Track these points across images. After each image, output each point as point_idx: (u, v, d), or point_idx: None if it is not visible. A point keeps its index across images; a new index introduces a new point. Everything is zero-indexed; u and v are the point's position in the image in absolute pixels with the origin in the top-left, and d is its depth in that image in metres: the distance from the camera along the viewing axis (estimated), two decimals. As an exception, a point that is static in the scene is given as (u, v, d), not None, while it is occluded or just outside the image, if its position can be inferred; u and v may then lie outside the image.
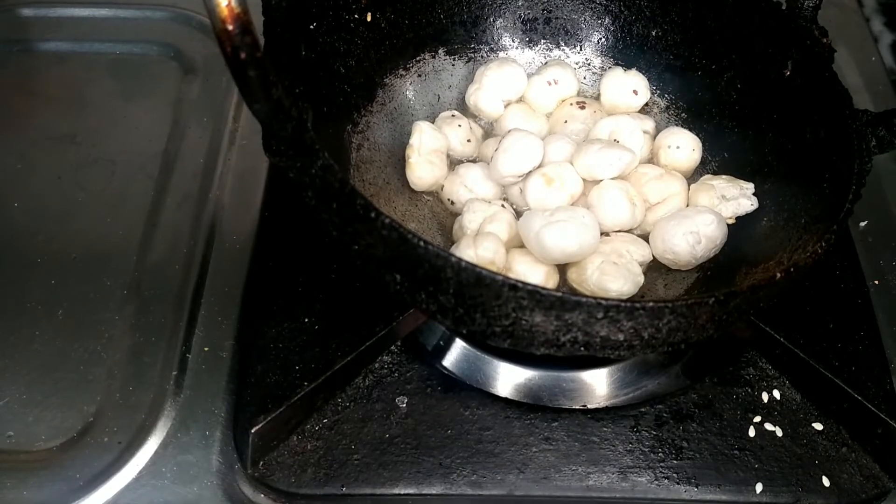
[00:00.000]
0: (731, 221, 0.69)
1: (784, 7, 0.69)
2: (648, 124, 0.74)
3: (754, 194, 0.69)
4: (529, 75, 0.78)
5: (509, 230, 0.65)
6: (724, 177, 0.71)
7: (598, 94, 0.79)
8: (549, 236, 0.61)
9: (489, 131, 0.77)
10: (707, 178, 0.72)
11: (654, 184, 0.70)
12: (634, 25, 0.79)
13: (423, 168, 0.71)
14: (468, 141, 0.74)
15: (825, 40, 0.67)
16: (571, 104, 0.77)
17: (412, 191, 0.72)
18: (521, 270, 0.63)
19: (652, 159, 0.74)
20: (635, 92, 0.76)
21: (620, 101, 0.77)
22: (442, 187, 0.72)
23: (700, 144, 0.73)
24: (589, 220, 0.63)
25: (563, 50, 0.82)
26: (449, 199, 0.71)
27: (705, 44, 0.75)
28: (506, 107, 0.76)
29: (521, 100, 0.77)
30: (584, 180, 0.69)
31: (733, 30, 0.73)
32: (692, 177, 0.74)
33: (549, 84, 0.76)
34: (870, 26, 1.00)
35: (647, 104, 0.78)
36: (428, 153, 0.71)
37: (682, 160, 0.73)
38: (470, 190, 0.70)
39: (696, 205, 0.70)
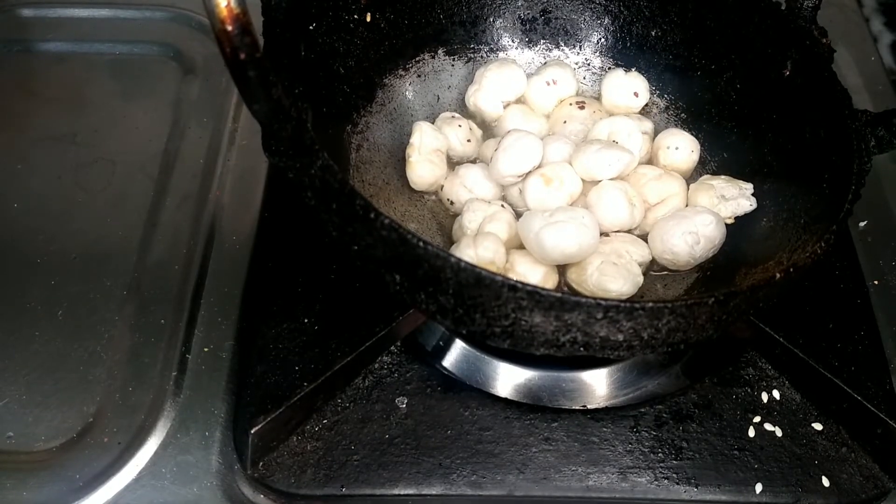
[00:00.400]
0: (730, 221, 0.69)
1: (783, 7, 0.69)
2: (647, 125, 0.74)
3: (753, 194, 0.69)
4: (529, 75, 0.78)
5: (509, 230, 0.65)
6: (723, 177, 0.71)
7: (599, 95, 0.79)
8: (548, 237, 0.61)
9: (489, 132, 0.77)
10: (706, 179, 0.72)
11: (653, 184, 0.70)
12: (634, 25, 0.79)
13: (423, 167, 0.71)
14: (468, 141, 0.74)
15: (824, 40, 0.67)
16: (571, 104, 0.77)
17: (412, 191, 0.72)
18: (522, 271, 0.63)
19: (651, 160, 0.74)
20: (636, 94, 0.76)
21: (621, 102, 0.77)
22: (441, 187, 0.72)
23: (698, 145, 0.74)
24: (588, 221, 0.63)
25: (562, 50, 0.82)
26: (448, 200, 0.71)
27: (705, 44, 0.75)
28: (505, 107, 0.77)
29: (520, 100, 0.77)
30: (582, 181, 0.69)
31: (733, 30, 0.73)
32: (691, 177, 0.74)
33: (549, 84, 0.76)
34: (869, 26, 1.00)
35: (646, 104, 0.78)
36: (428, 152, 0.71)
37: (681, 161, 0.73)
38: (469, 190, 0.70)
39: (695, 205, 0.70)
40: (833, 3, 0.97)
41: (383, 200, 0.71)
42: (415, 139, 0.71)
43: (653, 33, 0.78)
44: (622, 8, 0.79)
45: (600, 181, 0.68)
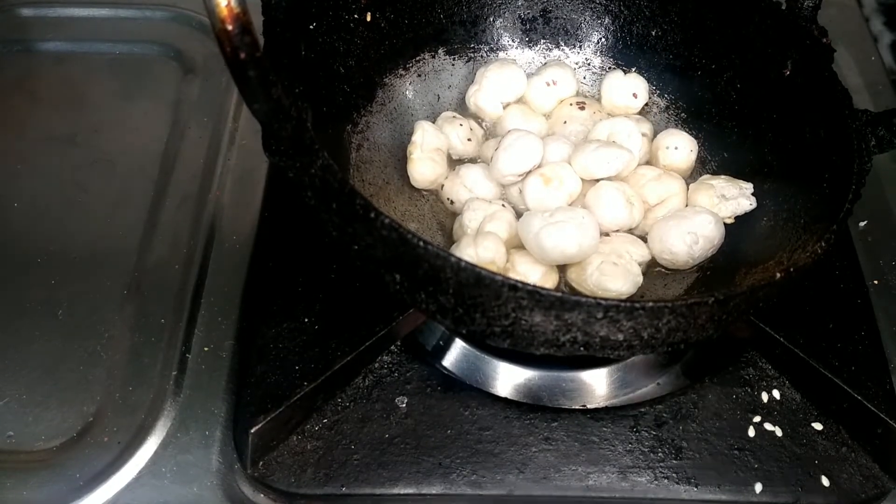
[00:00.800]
0: (729, 221, 0.69)
1: (784, 7, 0.69)
2: (646, 126, 0.75)
3: (753, 194, 0.69)
4: (529, 75, 0.78)
5: (509, 229, 0.65)
6: (723, 176, 0.71)
7: (598, 95, 0.79)
8: (548, 237, 0.61)
9: (490, 132, 0.77)
10: (706, 178, 0.72)
11: (652, 185, 0.70)
12: (634, 25, 0.79)
13: (424, 165, 0.71)
14: (469, 140, 0.74)
15: (825, 40, 0.67)
16: (571, 104, 0.77)
17: (412, 190, 0.72)
18: (522, 270, 0.63)
19: (650, 161, 0.74)
20: (635, 94, 0.77)
21: (620, 102, 0.77)
22: (442, 186, 0.72)
23: (697, 145, 0.74)
24: (588, 221, 0.63)
25: (562, 50, 0.82)
26: (449, 199, 0.71)
27: (705, 43, 0.75)
28: (505, 107, 0.77)
29: (520, 100, 0.77)
30: (582, 180, 0.69)
31: (733, 30, 0.73)
32: (691, 177, 0.74)
33: (549, 85, 0.76)
34: (869, 26, 1.00)
35: (646, 104, 0.78)
36: (429, 151, 0.71)
37: (680, 161, 0.73)
38: (470, 190, 0.70)
39: (695, 204, 0.70)
40: (833, 3, 0.97)
41: (383, 200, 0.71)
42: (416, 137, 0.71)
43: (653, 33, 0.78)
44: (622, 7, 0.79)
45: (599, 180, 0.68)
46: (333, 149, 0.67)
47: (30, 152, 0.79)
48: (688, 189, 0.71)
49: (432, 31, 0.78)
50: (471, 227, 0.67)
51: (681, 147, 0.73)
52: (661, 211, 0.69)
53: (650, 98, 0.78)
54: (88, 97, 0.84)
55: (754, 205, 0.69)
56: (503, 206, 0.68)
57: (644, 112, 0.78)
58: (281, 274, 0.68)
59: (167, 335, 0.67)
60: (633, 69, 0.79)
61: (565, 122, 0.76)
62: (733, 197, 0.69)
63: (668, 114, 0.79)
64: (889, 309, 0.72)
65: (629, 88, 0.77)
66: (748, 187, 0.70)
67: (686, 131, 0.75)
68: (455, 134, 0.73)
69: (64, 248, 0.72)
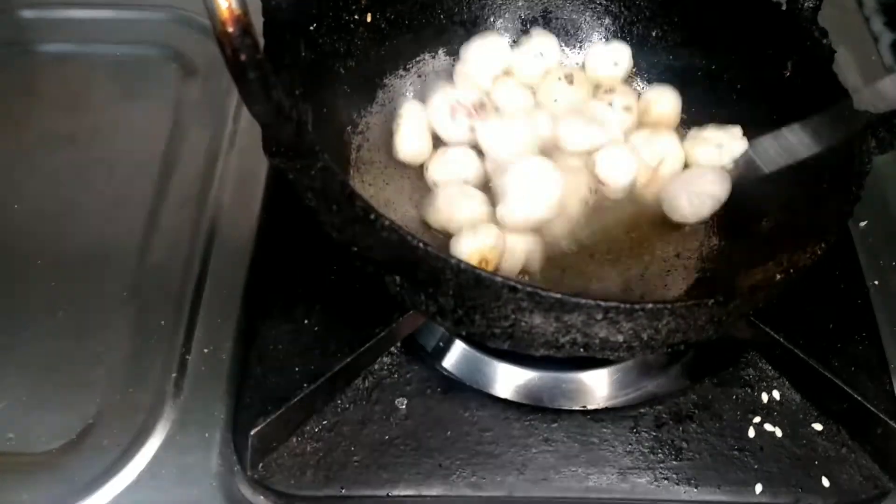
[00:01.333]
0: (730, 167, 0.71)
1: (784, 7, 0.69)
2: (632, 98, 0.76)
3: (743, 136, 0.72)
4: (514, 46, 0.79)
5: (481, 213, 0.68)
6: (710, 126, 0.74)
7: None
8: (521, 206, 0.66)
9: (479, 106, 0.76)
10: (695, 132, 0.74)
11: (648, 144, 0.73)
12: (634, 26, 0.79)
13: (409, 139, 0.72)
14: (457, 124, 0.74)
15: (825, 41, 0.67)
16: (560, 78, 0.77)
17: (412, 192, 0.73)
18: (511, 244, 0.66)
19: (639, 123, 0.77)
20: (616, 63, 0.78)
21: (603, 72, 0.79)
22: (425, 166, 0.72)
23: (678, 96, 0.76)
24: (549, 173, 0.67)
25: (563, 50, 0.82)
26: (433, 182, 0.72)
27: (705, 44, 0.76)
28: (494, 81, 0.77)
29: (507, 72, 0.78)
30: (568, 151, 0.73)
31: (733, 30, 0.73)
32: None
33: (535, 56, 0.78)
34: (869, 26, 1.00)
35: (631, 76, 0.80)
36: (415, 128, 0.73)
37: (667, 113, 0.76)
38: (450, 171, 0.71)
39: (693, 158, 0.73)
40: (833, 3, 0.96)
41: (383, 201, 0.71)
42: (403, 111, 0.73)
43: (653, 34, 0.79)
44: (623, 8, 0.79)
45: (587, 150, 0.72)
46: (334, 149, 0.67)
47: (30, 154, 0.79)
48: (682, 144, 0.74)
49: (432, 31, 0.78)
50: (441, 209, 0.68)
51: (665, 100, 0.76)
52: (664, 169, 0.72)
53: (649, 97, 0.78)
54: (89, 99, 0.84)
55: (747, 145, 0.71)
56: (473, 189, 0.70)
57: (630, 82, 0.80)
58: (281, 275, 0.68)
59: (167, 336, 0.67)
60: (633, 69, 0.79)
61: (556, 101, 0.77)
62: (727, 143, 0.72)
63: (668, 114, 0.79)
64: (889, 309, 0.72)
65: (610, 57, 0.78)
66: (737, 131, 0.72)
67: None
68: (441, 113, 0.74)
69: (64, 249, 0.72)
